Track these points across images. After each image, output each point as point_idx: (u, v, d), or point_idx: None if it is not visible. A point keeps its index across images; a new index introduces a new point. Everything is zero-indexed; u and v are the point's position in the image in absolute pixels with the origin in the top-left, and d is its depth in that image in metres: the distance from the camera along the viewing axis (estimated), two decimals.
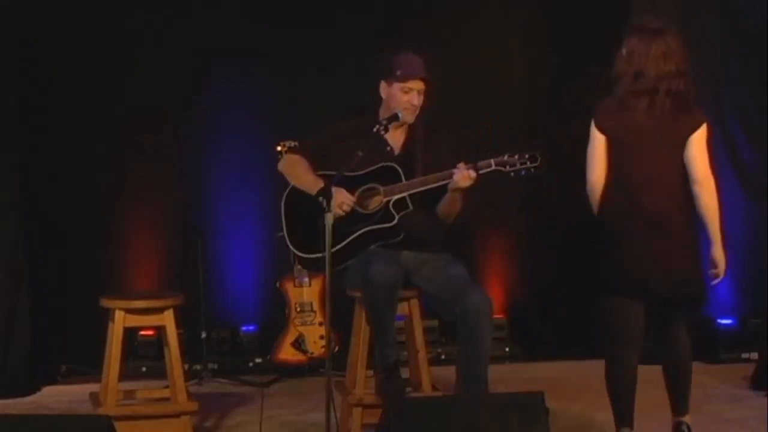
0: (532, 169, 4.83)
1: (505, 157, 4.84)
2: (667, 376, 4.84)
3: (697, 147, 4.67)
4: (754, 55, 6.83)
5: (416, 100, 5.02)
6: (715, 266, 4.71)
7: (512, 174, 4.83)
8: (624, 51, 4.66)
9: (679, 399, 4.82)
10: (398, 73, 4.99)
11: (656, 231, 4.61)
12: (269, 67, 6.79)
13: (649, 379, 4.97)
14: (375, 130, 4.86)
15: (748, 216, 6.90)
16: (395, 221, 4.94)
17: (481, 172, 4.82)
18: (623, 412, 4.74)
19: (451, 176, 4.82)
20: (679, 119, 4.64)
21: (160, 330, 5.28)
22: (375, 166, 4.98)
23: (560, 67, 6.99)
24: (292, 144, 6.04)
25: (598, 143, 4.67)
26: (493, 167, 4.84)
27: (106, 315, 5.13)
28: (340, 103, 6.26)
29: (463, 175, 4.79)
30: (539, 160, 4.82)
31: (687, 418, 4.82)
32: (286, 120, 6.66)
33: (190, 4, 6.76)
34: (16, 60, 6.26)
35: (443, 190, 4.90)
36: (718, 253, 4.70)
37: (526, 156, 4.83)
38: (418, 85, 5.00)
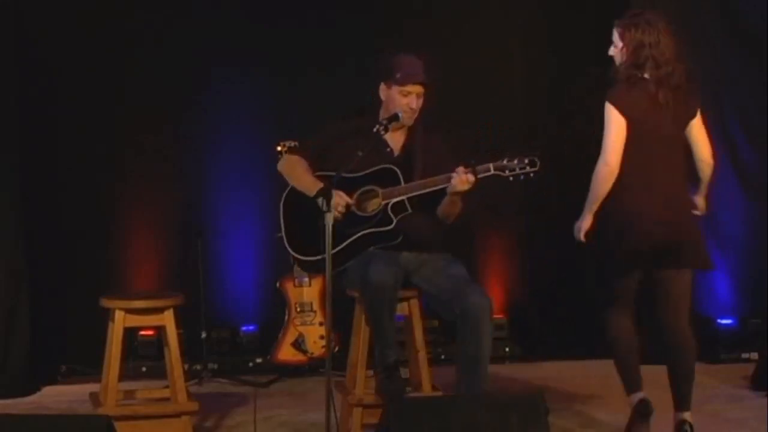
0: (532, 174, 4.82)
1: (505, 162, 4.82)
2: (670, 372, 4.91)
3: (701, 129, 4.97)
4: (754, 55, 6.83)
5: (415, 103, 5.02)
6: (697, 207, 5.06)
7: (511, 179, 4.83)
8: (626, 43, 4.83)
9: (681, 395, 4.88)
10: (398, 75, 4.99)
11: (667, 207, 4.82)
12: (269, 67, 6.79)
13: (651, 379, 4.99)
14: (375, 130, 4.86)
15: (748, 216, 6.91)
16: (393, 225, 4.94)
17: (479, 176, 4.81)
18: (631, 379, 4.92)
19: (449, 180, 4.82)
20: (687, 102, 4.89)
21: (160, 330, 5.27)
22: (374, 168, 4.98)
23: (560, 67, 6.99)
24: (292, 144, 6.04)
25: (618, 127, 4.79)
26: (492, 172, 4.82)
27: (106, 315, 5.13)
28: (340, 103, 6.26)
29: (461, 179, 4.79)
30: (538, 164, 4.82)
31: (688, 416, 4.86)
32: (286, 120, 6.66)
33: (190, 4, 6.76)
34: (16, 60, 6.26)
35: (442, 192, 4.90)
36: (701, 198, 5.08)
37: (526, 160, 4.82)
38: (417, 88, 5.00)
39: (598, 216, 4.89)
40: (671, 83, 4.81)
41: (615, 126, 4.79)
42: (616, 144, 4.79)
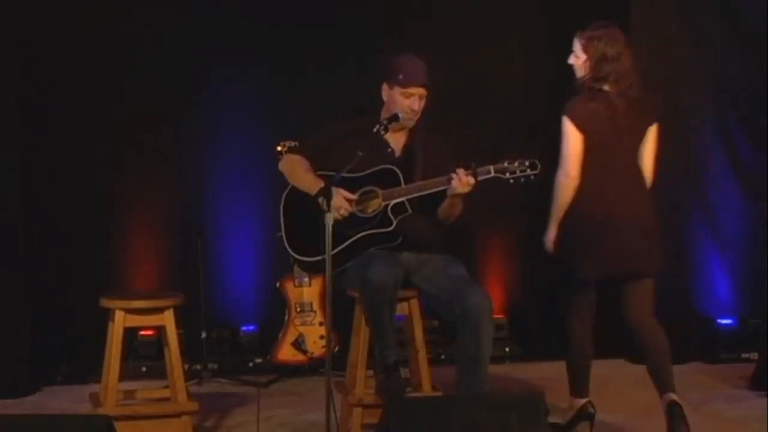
0: (532, 177, 4.83)
1: (505, 164, 4.84)
2: (650, 367, 5.01)
3: (653, 142, 5.05)
4: (754, 55, 6.83)
5: (417, 105, 5.02)
6: None
7: (511, 181, 4.84)
8: (590, 55, 4.95)
9: (664, 382, 4.97)
10: (400, 77, 4.99)
11: (627, 217, 4.94)
12: (269, 67, 6.79)
13: (646, 379, 4.99)
14: (375, 130, 4.86)
15: (748, 216, 6.91)
16: (393, 226, 4.94)
17: (480, 178, 4.81)
18: (583, 384, 5.14)
19: (449, 182, 4.82)
20: (644, 113, 4.98)
21: (160, 330, 5.27)
22: (375, 168, 4.98)
23: (560, 67, 6.96)
24: (292, 144, 6.04)
25: (575, 141, 4.92)
26: (492, 174, 4.84)
27: (106, 315, 5.13)
28: (340, 103, 6.26)
29: (461, 182, 4.79)
30: (539, 167, 4.83)
31: (675, 396, 4.94)
32: (286, 120, 6.65)
33: (190, 4, 6.76)
34: (16, 60, 6.26)
35: (443, 193, 4.90)
36: None
37: (526, 163, 4.84)
38: (419, 90, 5.00)
39: (561, 226, 5.00)
40: (631, 96, 4.91)
41: (571, 140, 4.92)
42: (573, 156, 4.90)
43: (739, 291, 6.94)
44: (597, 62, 4.91)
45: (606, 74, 4.89)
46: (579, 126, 4.89)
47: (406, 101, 5.00)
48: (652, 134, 5.01)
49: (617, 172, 4.94)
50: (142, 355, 6.52)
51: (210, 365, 6.53)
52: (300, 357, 6.49)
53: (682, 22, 6.83)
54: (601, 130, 4.89)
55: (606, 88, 4.91)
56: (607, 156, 4.91)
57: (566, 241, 4.99)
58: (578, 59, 5.00)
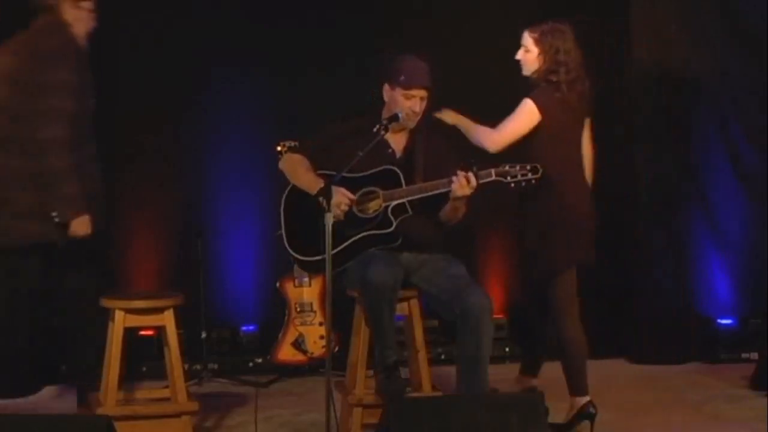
0: (533, 181, 4.84)
1: (506, 168, 4.86)
2: (568, 359, 5.20)
3: (588, 128, 5.26)
4: (754, 55, 6.84)
5: (418, 107, 5.02)
6: None
7: (512, 185, 4.84)
8: (544, 49, 5.11)
9: (581, 380, 5.13)
10: (402, 78, 4.99)
11: (589, 204, 5.18)
12: (269, 67, 6.79)
13: (646, 379, 4.99)
14: (375, 129, 4.86)
15: (748, 216, 6.91)
16: (392, 228, 4.93)
17: (481, 181, 4.82)
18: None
19: (450, 184, 4.82)
20: (583, 101, 5.15)
21: (160, 330, 5.27)
22: (376, 169, 4.98)
23: None
24: (292, 144, 6.03)
25: (530, 120, 5.07)
26: (494, 177, 4.85)
27: (106, 315, 5.13)
28: (340, 103, 6.26)
29: (461, 184, 4.79)
30: (540, 171, 4.84)
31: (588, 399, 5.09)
32: (286, 120, 6.65)
33: (190, 4, 6.76)
34: None
35: (444, 194, 4.90)
36: None
37: (528, 167, 4.86)
38: (421, 92, 5.01)
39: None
40: (577, 88, 5.07)
41: (525, 118, 5.09)
42: (514, 133, 5.10)
43: (739, 291, 6.94)
44: (552, 56, 5.07)
45: (558, 66, 5.05)
46: (541, 109, 5.05)
47: (408, 102, 5.00)
48: (587, 127, 5.23)
49: (575, 163, 5.13)
50: (142, 355, 6.51)
51: (210, 365, 6.53)
52: (300, 357, 6.49)
53: (682, 22, 6.83)
54: (560, 119, 5.05)
55: (562, 79, 5.05)
56: (568, 147, 5.10)
57: (542, 234, 5.15)
58: (530, 53, 5.15)
